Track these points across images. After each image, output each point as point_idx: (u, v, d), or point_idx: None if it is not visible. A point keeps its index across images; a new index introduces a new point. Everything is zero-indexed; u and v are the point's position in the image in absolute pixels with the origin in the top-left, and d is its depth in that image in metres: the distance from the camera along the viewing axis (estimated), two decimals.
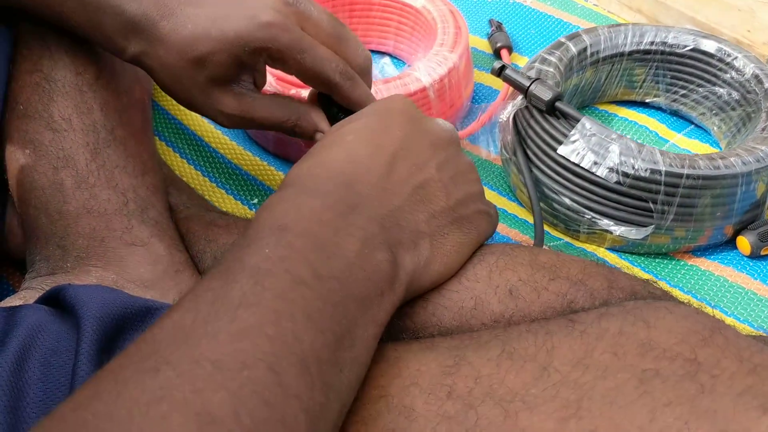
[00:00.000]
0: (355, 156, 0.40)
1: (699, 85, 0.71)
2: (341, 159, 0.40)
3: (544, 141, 0.62)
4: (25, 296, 0.46)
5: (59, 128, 0.52)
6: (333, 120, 0.53)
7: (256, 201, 0.68)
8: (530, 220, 0.65)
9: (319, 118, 0.52)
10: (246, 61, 0.48)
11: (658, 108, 0.75)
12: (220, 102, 0.49)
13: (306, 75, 0.49)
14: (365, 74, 0.52)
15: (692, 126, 0.74)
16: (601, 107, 0.76)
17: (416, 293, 0.40)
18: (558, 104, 0.61)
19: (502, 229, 0.64)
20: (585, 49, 0.70)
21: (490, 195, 0.68)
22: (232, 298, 0.30)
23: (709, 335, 0.32)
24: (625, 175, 0.57)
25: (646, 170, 0.57)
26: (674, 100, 0.73)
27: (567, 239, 0.63)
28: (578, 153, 0.59)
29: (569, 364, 0.31)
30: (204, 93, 0.49)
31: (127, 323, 0.36)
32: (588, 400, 0.30)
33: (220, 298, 0.30)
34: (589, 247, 0.62)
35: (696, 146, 0.71)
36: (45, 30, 0.54)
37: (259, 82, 0.51)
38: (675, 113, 0.74)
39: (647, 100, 0.75)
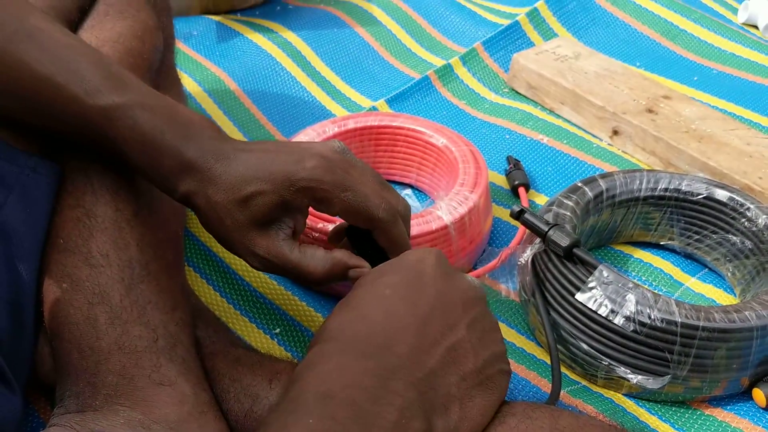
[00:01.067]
0: (394, 314, 0.42)
1: (713, 232, 0.73)
2: (380, 317, 0.42)
3: (562, 285, 0.63)
4: None
5: (97, 264, 0.54)
6: (362, 255, 0.55)
7: (278, 331, 0.70)
8: (548, 361, 0.66)
9: (352, 258, 0.54)
10: (290, 201, 0.51)
11: (673, 250, 0.77)
12: (255, 243, 0.52)
13: (350, 212, 0.52)
14: (404, 221, 0.54)
15: (707, 270, 0.75)
16: (618, 248, 0.78)
17: None
18: (575, 251, 0.63)
19: (521, 371, 0.65)
20: (601, 194, 0.73)
21: (509, 333, 0.69)
22: None
23: None
24: (642, 324, 0.58)
25: (662, 321, 0.58)
26: (688, 244, 0.75)
27: (584, 383, 0.64)
28: (595, 300, 0.61)
29: None
30: (242, 233, 0.51)
31: None
32: None
33: None
34: (607, 393, 0.63)
35: (710, 291, 0.73)
36: (89, 167, 0.57)
37: (298, 228, 0.54)
38: (689, 256, 0.76)
39: (662, 243, 0.77)
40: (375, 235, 0.53)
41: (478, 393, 0.42)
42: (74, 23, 0.64)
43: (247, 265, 0.75)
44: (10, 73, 0.50)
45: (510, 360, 0.65)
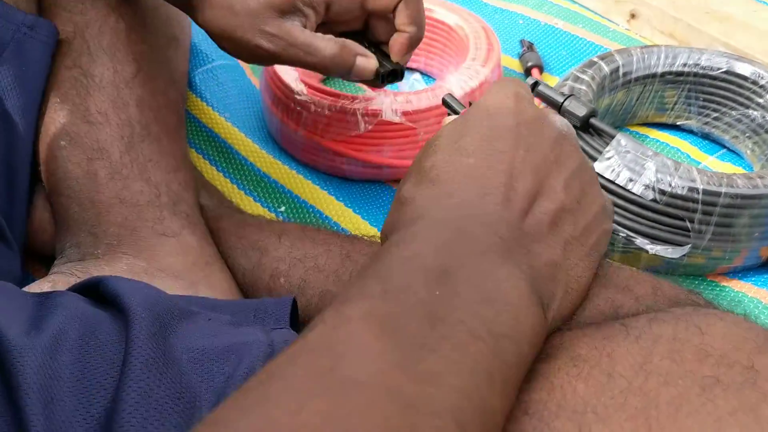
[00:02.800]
0: (484, 188, 0.36)
1: (732, 108, 0.70)
2: (471, 191, 0.36)
3: None
4: (54, 280, 0.45)
5: (95, 121, 0.52)
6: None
7: (283, 209, 0.68)
8: None
9: (360, 47, 0.53)
10: None
11: (690, 131, 0.75)
12: (266, 22, 0.50)
13: None
14: None
15: (724, 149, 0.73)
16: (633, 128, 0.75)
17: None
18: (592, 120, 0.61)
19: None
20: (617, 69, 0.70)
21: None
22: (414, 337, 0.27)
23: (764, 342, 0.31)
24: (662, 192, 0.56)
25: (683, 188, 0.56)
26: (706, 123, 0.73)
27: None
28: (613, 170, 0.58)
29: (631, 369, 0.30)
30: (252, 15, 0.49)
31: (170, 321, 0.35)
32: (655, 408, 0.29)
33: (401, 330, 0.27)
34: None
35: (729, 169, 0.71)
36: (86, 29, 0.55)
37: (309, 26, 0.52)
38: (707, 136, 0.74)
39: (678, 123, 0.74)
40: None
41: (582, 258, 0.37)
42: None
43: (251, 144, 0.73)
44: None
45: None
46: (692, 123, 0.73)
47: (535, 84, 0.65)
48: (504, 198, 0.36)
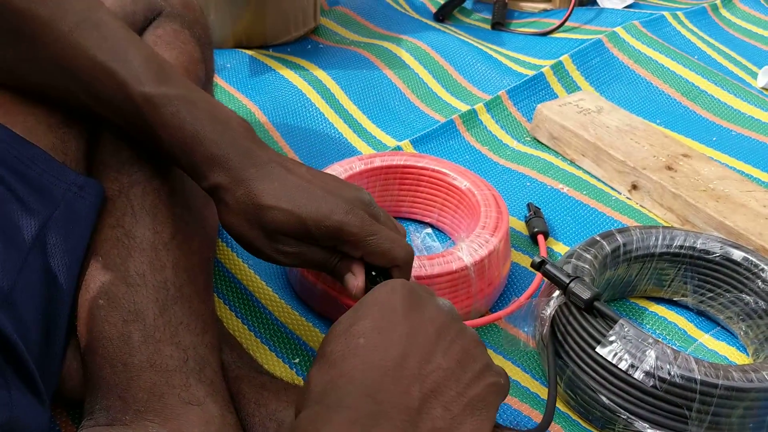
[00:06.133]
0: (371, 362, 0.43)
1: (726, 290, 0.74)
2: (359, 368, 0.42)
3: (581, 338, 0.64)
4: None
5: (133, 283, 0.56)
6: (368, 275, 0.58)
7: (297, 360, 0.71)
8: (563, 408, 0.67)
9: (355, 266, 0.57)
10: (315, 235, 0.54)
11: (686, 307, 0.78)
12: (285, 245, 0.55)
13: (374, 255, 0.55)
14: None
15: (719, 327, 0.76)
16: (633, 300, 0.79)
17: None
18: (596, 304, 0.64)
19: (535, 416, 0.66)
20: (618, 248, 0.74)
21: (524, 377, 0.70)
22: None
23: None
24: (661, 380, 0.59)
25: (681, 377, 0.59)
26: (701, 302, 0.76)
27: None
28: (615, 354, 0.62)
29: None
30: (269, 237, 0.55)
31: None
32: None
33: None
34: None
35: (723, 348, 0.74)
36: (130, 190, 0.59)
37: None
38: (702, 313, 0.77)
39: (675, 299, 0.78)
40: (391, 272, 0.56)
41: (466, 417, 0.43)
42: None
43: (270, 293, 0.77)
44: (73, 54, 0.54)
45: (525, 405, 0.67)
46: (689, 300, 0.77)
47: (542, 263, 0.70)
48: (387, 370, 0.42)
